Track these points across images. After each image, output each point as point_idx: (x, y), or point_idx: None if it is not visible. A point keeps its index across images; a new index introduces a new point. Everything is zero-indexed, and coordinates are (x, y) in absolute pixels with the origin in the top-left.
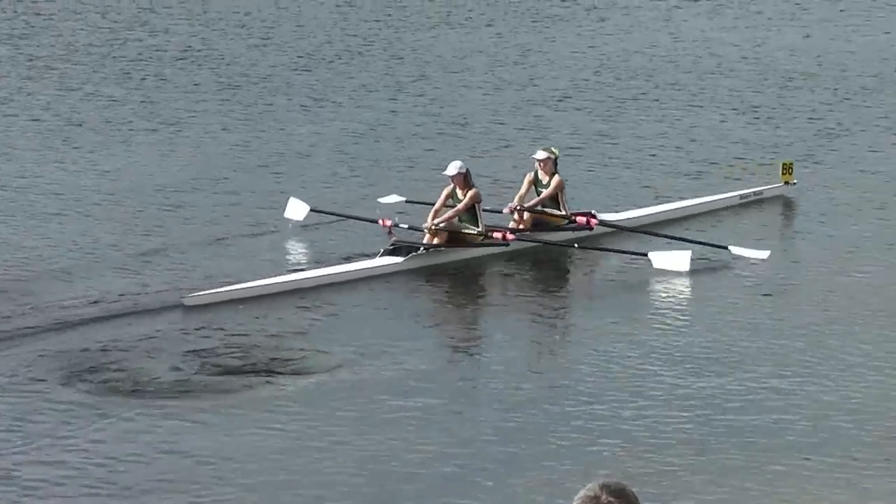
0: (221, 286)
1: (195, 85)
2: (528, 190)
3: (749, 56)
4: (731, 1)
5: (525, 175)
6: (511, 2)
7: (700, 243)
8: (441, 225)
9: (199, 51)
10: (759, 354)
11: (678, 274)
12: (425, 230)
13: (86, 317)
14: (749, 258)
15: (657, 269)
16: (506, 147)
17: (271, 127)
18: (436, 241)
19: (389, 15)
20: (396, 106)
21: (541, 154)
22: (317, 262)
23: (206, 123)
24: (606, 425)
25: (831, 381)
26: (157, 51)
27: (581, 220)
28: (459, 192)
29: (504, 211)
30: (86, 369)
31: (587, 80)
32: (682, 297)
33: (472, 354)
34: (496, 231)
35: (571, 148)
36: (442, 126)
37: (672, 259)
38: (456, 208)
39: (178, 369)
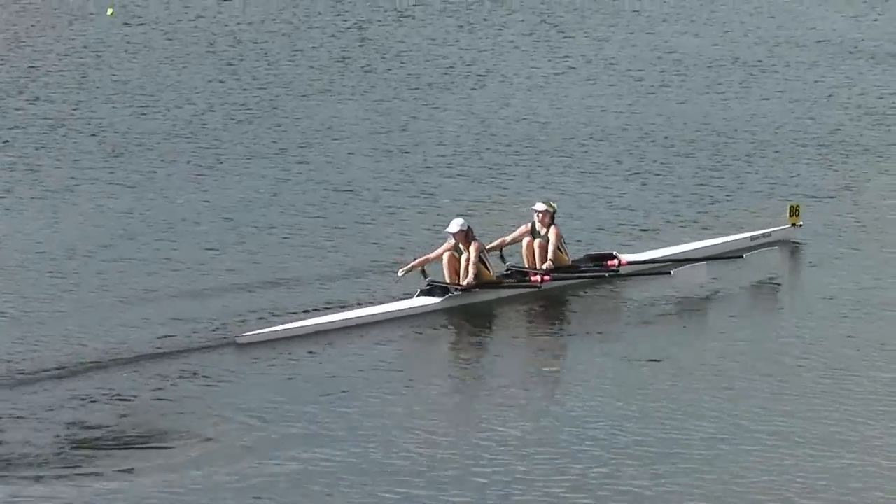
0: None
1: (79, 152)
2: (520, 238)
3: (631, 122)
4: (611, 70)
5: (522, 226)
6: (390, 69)
7: (715, 258)
8: (465, 284)
9: (80, 118)
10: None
11: (699, 303)
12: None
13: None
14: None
15: (680, 301)
16: (391, 213)
17: (155, 194)
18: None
19: (271, 81)
20: (280, 173)
21: (540, 206)
22: (343, 305)
23: (91, 191)
24: (636, 463)
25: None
26: (39, 118)
27: (612, 263)
28: (462, 248)
29: (534, 279)
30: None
31: (472, 146)
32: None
33: (500, 395)
34: (533, 276)
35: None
36: (327, 192)
37: (692, 272)
38: (468, 268)
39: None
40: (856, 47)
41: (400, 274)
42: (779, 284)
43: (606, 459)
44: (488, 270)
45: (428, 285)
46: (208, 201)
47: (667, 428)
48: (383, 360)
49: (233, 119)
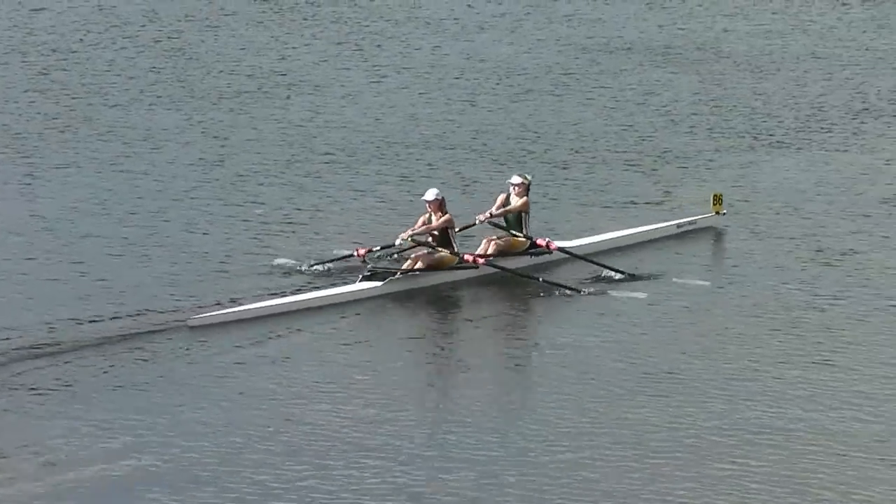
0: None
1: None
2: (498, 208)
3: (446, 129)
4: (425, 78)
5: (498, 196)
6: (203, 79)
7: (634, 276)
8: (416, 238)
9: None
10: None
11: (628, 304)
12: (402, 246)
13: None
14: (691, 285)
15: (614, 297)
16: (210, 222)
17: None
18: (416, 265)
19: (87, 91)
20: (105, 182)
21: (515, 178)
22: (299, 288)
23: None
24: (574, 454)
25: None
26: None
27: (541, 242)
28: (434, 217)
29: (478, 219)
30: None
31: (289, 154)
32: (631, 326)
33: (445, 376)
34: (467, 255)
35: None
36: (149, 202)
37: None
38: (430, 225)
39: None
40: (664, 53)
41: (404, 236)
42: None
43: (548, 438)
44: (450, 247)
45: (370, 271)
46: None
47: (610, 407)
48: (327, 342)
49: (49, 128)
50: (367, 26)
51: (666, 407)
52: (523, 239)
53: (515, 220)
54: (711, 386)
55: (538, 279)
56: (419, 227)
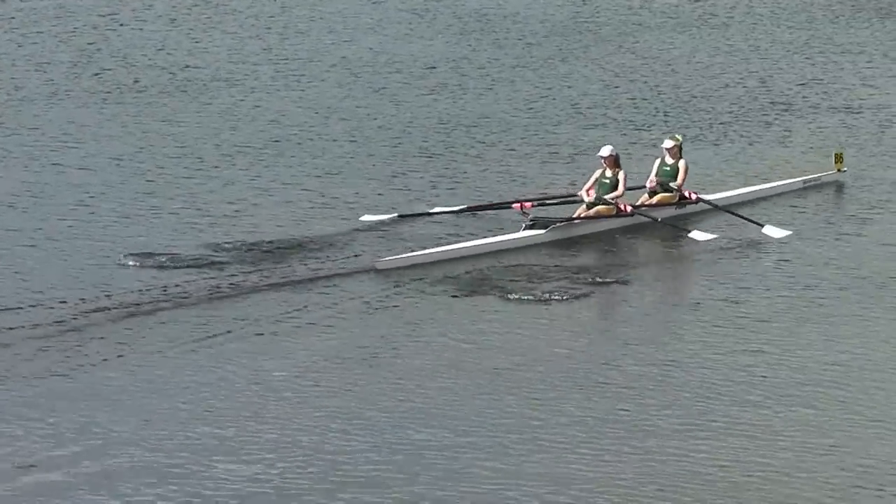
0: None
1: None
2: (657, 172)
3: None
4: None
5: (655, 160)
6: (120, 75)
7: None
8: (603, 200)
9: None
10: None
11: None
12: (584, 201)
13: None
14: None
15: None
16: (127, 216)
17: None
18: (576, 214)
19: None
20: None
21: (668, 143)
22: (470, 236)
23: None
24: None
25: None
26: None
27: (689, 194)
28: (609, 172)
29: (647, 185)
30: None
31: (210, 149)
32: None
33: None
34: (622, 204)
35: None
36: (68, 196)
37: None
38: (621, 185)
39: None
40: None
41: (589, 198)
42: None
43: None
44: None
45: (532, 221)
46: None
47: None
48: (492, 286)
49: None
50: (278, 20)
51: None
52: (675, 194)
53: (672, 178)
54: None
55: (686, 231)
56: (593, 182)
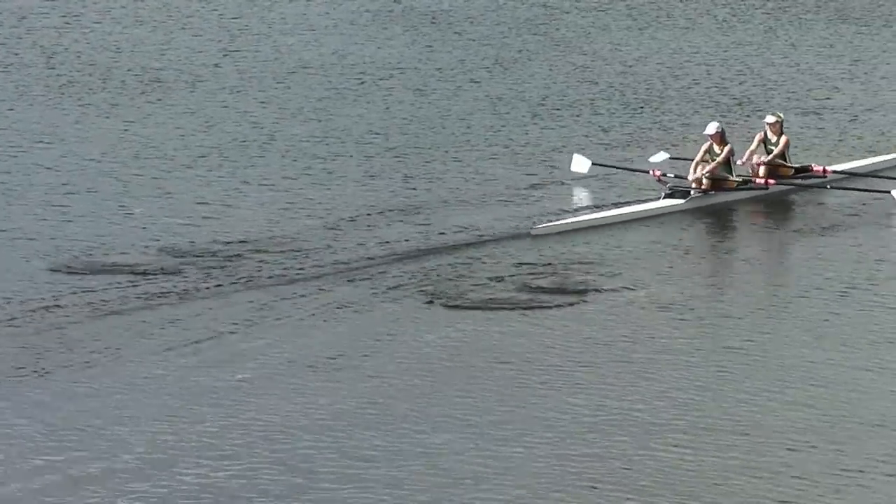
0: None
1: None
2: (757, 147)
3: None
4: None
5: (756, 135)
6: (55, 76)
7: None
8: (706, 174)
9: None
10: None
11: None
12: (691, 181)
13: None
14: None
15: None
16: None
17: None
18: (702, 187)
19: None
20: None
21: (770, 118)
22: (613, 204)
23: None
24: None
25: None
26: None
27: (818, 168)
28: (717, 148)
29: (744, 162)
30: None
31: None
32: None
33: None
34: (758, 178)
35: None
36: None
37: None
38: (717, 161)
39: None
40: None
41: (697, 174)
42: None
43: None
44: (730, 174)
45: (670, 189)
46: None
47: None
48: (632, 253)
49: None
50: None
51: None
52: (790, 167)
53: (780, 156)
54: None
55: (828, 186)
56: (700, 157)
